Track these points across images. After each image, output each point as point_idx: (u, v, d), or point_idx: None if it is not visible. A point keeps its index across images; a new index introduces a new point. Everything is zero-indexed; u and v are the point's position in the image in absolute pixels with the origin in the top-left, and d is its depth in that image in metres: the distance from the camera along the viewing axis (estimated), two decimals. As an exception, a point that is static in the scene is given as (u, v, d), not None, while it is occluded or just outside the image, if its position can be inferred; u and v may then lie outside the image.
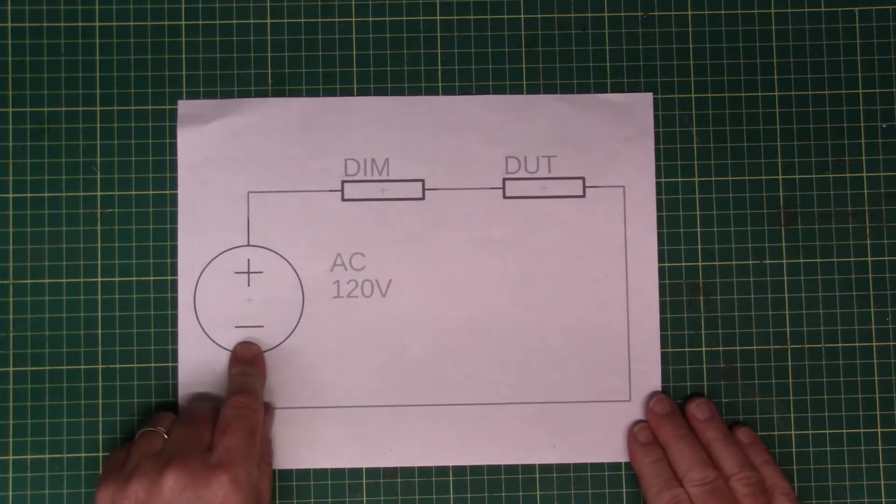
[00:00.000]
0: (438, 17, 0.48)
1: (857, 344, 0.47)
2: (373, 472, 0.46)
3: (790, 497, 0.44)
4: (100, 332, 0.46)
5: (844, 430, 0.47)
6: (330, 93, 0.47)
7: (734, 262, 0.47)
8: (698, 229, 0.47)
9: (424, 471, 0.46)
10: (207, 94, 0.47)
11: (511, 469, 0.46)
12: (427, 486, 0.46)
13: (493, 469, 0.46)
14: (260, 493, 0.43)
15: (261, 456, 0.44)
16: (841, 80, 0.48)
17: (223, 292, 0.47)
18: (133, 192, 0.47)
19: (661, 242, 0.47)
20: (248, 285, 0.47)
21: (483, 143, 0.47)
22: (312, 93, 0.47)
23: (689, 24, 0.48)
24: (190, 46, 0.47)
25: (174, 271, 0.47)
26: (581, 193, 0.47)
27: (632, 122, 0.47)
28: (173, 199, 0.47)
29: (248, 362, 0.46)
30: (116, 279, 0.46)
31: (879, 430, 0.47)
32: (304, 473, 0.46)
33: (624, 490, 0.46)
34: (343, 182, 0.47)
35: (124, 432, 0.46)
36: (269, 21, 0.48)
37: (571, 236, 0.47)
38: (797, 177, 0.48)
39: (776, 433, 0.47)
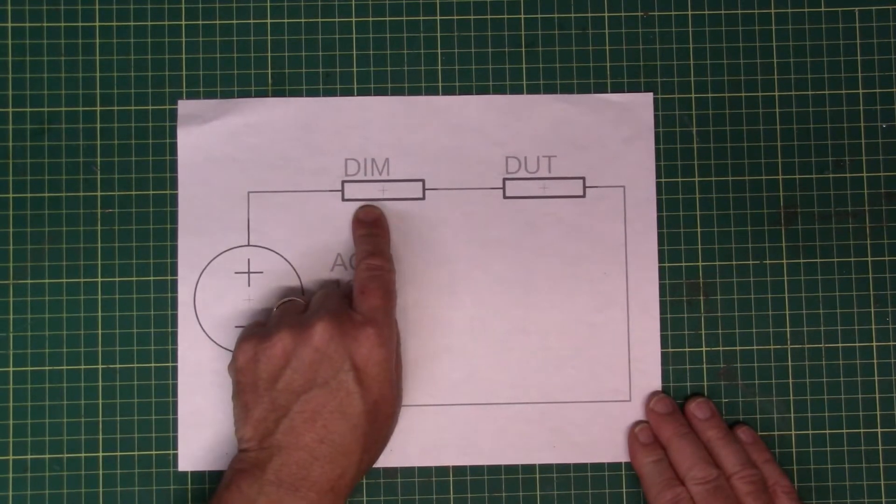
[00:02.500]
0: (438, 17, 0.48)
1: (857, 344, 0.47)
2: (373, 472, 0.46)
3: (792, 495, 0.44)
4: (100, 332, 0.46)
5: (844, 430, 0.47)
6: (330, 93, 0.47)
7: (734, 262, 0.47)
8: (698, 229, 0.47)
9: (424, 471, 0.46)
10: (207, 94, 0.47)
11: (511, 469, 0.46)
12: (427, 486, 0.46)
13: (493, 469, 0.46)
14: (397, 353, 0.44)
15: None
16: (841, 80, 0.48)
17: (223, 292, 0.47)
18: (133, 192, 0.47)
19: (661, 242, 0.47)
20: (248, 285, 0.47)
21: (483, 143, 0.47)
22: (312, 93, 0.47)
23: (689, 24, 0.48)
24: (190, 46, 0.47)
25: (174, 271, 0.47)
26: (581, 193, 0.47)
27: (632, 122, 0.47)
28: (173, 199, 0.47)
29: (372, 224, 0.46)
30: (116, 279, 0.46)
31: (879, 430, 0.47)
32: (304, 473, 0.46)
33: (624, 490, 0.46)
34: (343, 182, 0.47)
35: (124, 432, 0.46)
36: (269, 21, 0.48)
37: (571, 236, 0.47)
38: (797, 177, 0.48)
39: (776, 433, 0.47)
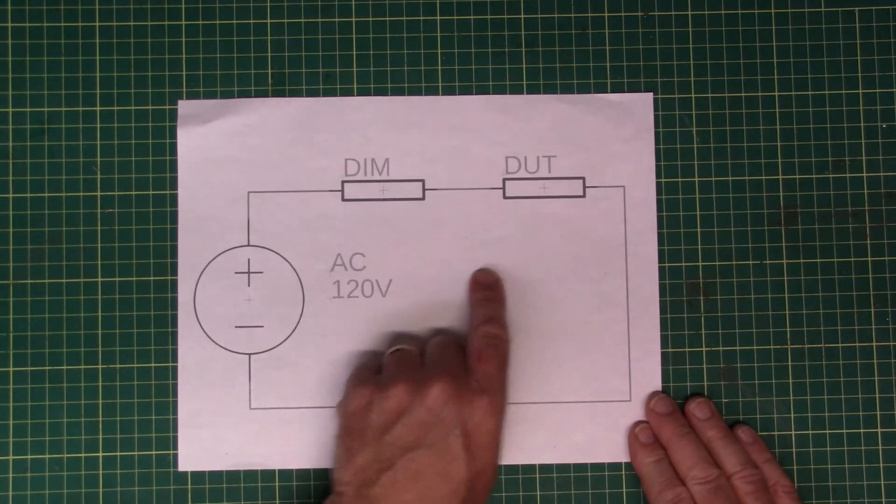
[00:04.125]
0: (438, 17, 0.48)
1: (857, 344, 0.47)
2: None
3: (792, 495, 0.44)
4: (100, 332, 0.46)
5: (844, 430, 0.47)
6: (330, 93, 0.47)
7: (734, 262, 0.47)
8: (698, 229, 0.47)
9: (424, 471, 0.46)
10: (207, 94, 0.47)
11: (511, 469, 0.46)
12: (427, 486, 0.46)
13: (494, 469, 0.46)
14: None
15: None
16: (841, 80, 0.48)
17: (223, 292, 0.47)
18: (133, 192, 0.47)
19: (661, 242, 0.47)
20: (248, 285, 0.47)
21: (483, 143, 0.47)
22: (312, 93, 0.47)
23: (689, 24, 0.48)
24: (190, 46, 0.47)
25: (174, 271, 0.47)
26: (581, 193, 0.47)
27: (632, 122, 0.47)
28: (173, 199, 0.47)
29: (489, 287, 0.46)
30: (116, 279, 0.46)
31: (879, 430, 0.47)
32: (304, 473, 0.46)
33: (624, 490, 0.46)
34: (343, 182, 0.47)
35: (124, 432, 0.46)
36: (269, 21, 0.48)
37: (571, 236, 0.47)
38: (797, 177, 0.48)
39: (776, 433, 0.47)
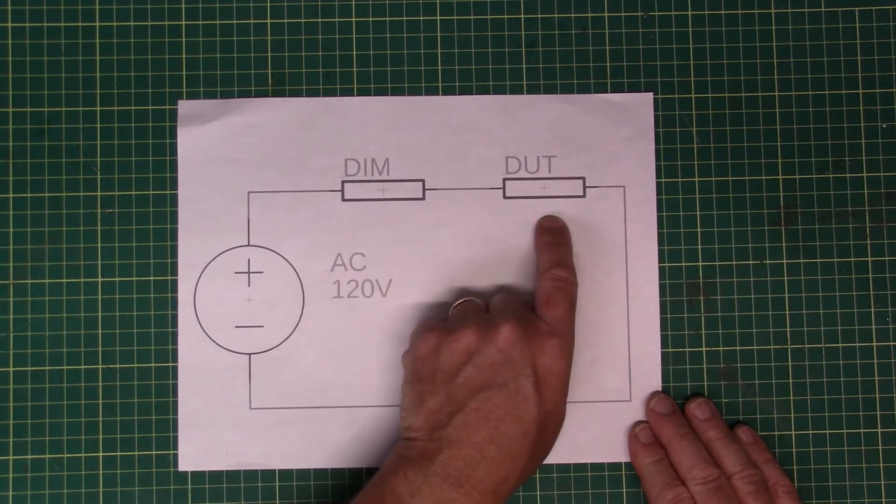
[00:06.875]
0: (438, 17, 0.48)
1: (857, 344, 0.47)
2: (373, 473, 0.46)
3: (793, 495, 0.44)
4: (100, 332, 0.46)
5: (844, 430, 0.47)
6: (330, 93, 0.47)
7: (734, 262, 0.47)
8: (698, 229, 0.47)
9: (424, 471, 0.46)
10: (207, 94, 0.47)
11: (511, 469, 0.46)
12: (427, 486, 0.46)
13: (494, 469, 0.46)
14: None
15: None
16: (841, 80, 0.48)
17: (223, 292, 0.47)
18: (133, 192, 0.47)
19: (661, 242, 0.47)
20: (248, 285, 0.47)
21: (483, 143, 0.47)
22: (312, 93, 0.47)
23: (689, 24, 0.48)
24: (190, 46, 0.47)
25: (174, 271, 0.47)
26: (581, 193, 0.47)
27: (632, 122, 0.47)
28: (173, 199, 0.47)
29: (556, 232, 0.46)
30: (116, 279, 0.46)
31: (879, 430, 0.47)
32: (304, 473, 0.46)
33: (624, 490, 0.46)
34: (343, 182, 0.47)
35: (124, 432, 0.46)
36: (269, 21, 0.48)
37: (571, 236, 0.47)
38: (797, 177, 0.48)
39: (776, 433, 0.47)
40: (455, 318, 0.43)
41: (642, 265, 0.47)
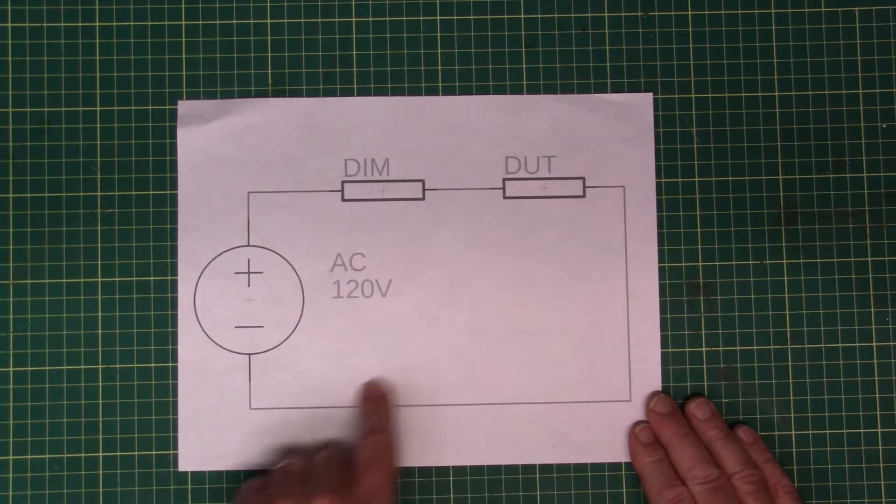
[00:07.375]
0: (438, 17, 0.48)
1: (857, 344, 0.47)
2: (373, 472, 0.46)
3: (793, 495, 0.44)
4: (100, 332, 0.46)
5: (844, 430, 0.47)
6: (330, 93, 0.47)
7: (734, 262, 0.47)
8: (698, 229, 0.47)
9: (424, 471, 0.46)
10: (207, 94, 0.47)
11: (511, 469, 0.46)
12: (427, 486, 0.46)
13: (493, 469, 0.46)
14: None
15: None
16: (841, 80, 0.48)
17: (223, 292, 0.47)
18: (133, 192, 0.47)
19: (661, 242, 0.47)
20: (248, 285, 0.47)
21: (483, 143, 0.47)
22: (312, 93, 0.47)
23: (689, 24, 0.48)
24: (190, 46, 0.47)
25: (174, 271, 0.47)
26: (581, 193, 0.47)
27: (632, 122, 0.48)
28: (173, 199, 0.47)
29: (377, 400, 0.46)
30: (116, 279, 0.46)
31: (879, 430, 0.47)
32: (304, 473, 0.46)
33: (624, 490, 0.46)
34: (343, 182, 0.47)
35: (124, 432, 0.46)
36: (269, 21, 0.48)
37: (571, 236, 0.47)
38: (797, 177, 0.48)
39: (776, 433, 0.47)
40: (273, 487, 0.42)
41: (642, 265, 0.47)
